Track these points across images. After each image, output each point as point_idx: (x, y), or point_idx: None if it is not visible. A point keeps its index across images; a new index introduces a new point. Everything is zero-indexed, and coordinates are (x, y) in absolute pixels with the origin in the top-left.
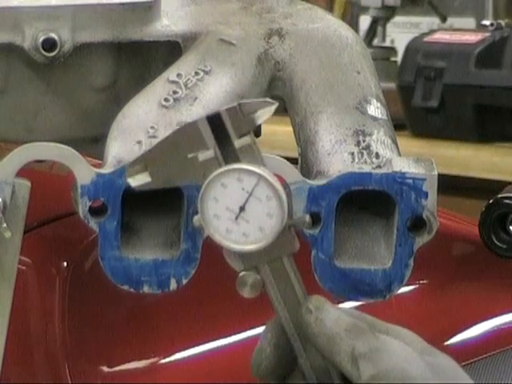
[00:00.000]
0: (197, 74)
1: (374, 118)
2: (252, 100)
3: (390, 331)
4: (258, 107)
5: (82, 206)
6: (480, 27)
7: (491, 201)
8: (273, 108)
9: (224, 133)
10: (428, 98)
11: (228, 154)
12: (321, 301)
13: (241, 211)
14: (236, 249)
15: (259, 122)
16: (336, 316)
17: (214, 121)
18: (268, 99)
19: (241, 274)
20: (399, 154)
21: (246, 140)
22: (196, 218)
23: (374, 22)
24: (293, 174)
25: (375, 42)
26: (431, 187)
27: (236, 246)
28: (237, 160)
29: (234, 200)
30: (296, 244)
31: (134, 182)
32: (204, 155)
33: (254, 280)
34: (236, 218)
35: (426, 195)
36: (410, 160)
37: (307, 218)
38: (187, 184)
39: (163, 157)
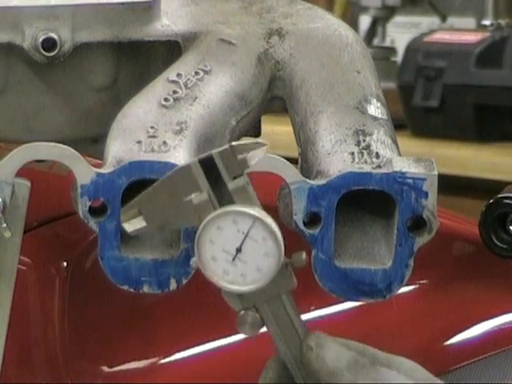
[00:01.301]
0: (197, 73)
1: (374, 118)
2: (243, 142)
3: (392, 362)
4: (250, 148)
5: (82, 206)
6: (480, 27)
7: (491, 201)
8: (265, 149)
9: (217, 175)
10: (428, 98)
11: (222, 196)
12: (321, 337)
13: (237, 252)
14: (234, 290)
15: (252, 162)
16: (336, 352)
17: (207, 163)
18: (259, 140)
19: (240, 314)
20: (399, 154)
21: (240, 181)
22: (193, 260)
23: (374, 22)
24: (293, 173)
25: (375, 42)
26: (431, 187)
27: (234, 286)
28: (231, 202)
29: (230, 242)
30: (294, 281)
31: (129, 226)
32: (198, 198)
33: (253, 319)
34: (233, 259)
35: (426, 195)
36: (410, 160)
37: (304, 255)
38: (183, 227)
39: (157, 201)
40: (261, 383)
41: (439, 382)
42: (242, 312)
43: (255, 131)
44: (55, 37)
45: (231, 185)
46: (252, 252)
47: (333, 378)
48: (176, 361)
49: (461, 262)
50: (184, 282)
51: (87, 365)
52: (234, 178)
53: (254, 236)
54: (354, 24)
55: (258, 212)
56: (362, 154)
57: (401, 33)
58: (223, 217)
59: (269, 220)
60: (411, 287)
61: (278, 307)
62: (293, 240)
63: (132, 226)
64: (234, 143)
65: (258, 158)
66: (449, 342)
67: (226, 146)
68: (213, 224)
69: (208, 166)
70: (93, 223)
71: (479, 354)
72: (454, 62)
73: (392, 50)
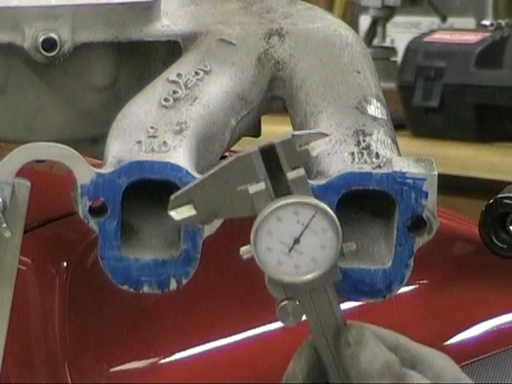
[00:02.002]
0: (197, 73)
1: (374, 118)
2: (305, 132)
3: (424, 360)
4: (311, 139)
5: (82, 206)
6: (480, 27)
7: (491, 201)
8: (326, 139)
9: (276, 165)
10: (428, 98)
11: (279, 186)
12: (361, 334)
13: (295, 243)
14: (287, 280)
15: (314, 154)
16: (372, 354)
17: (267, 153)
18: (321, 131)
19: (281, 303)
20: (399, 154)
21: (299, 172)
22: (245, 250)
23: (374, 22)
24: None
25: (375, 42)
26: (431, 187)
27: (287, 277)
28: (288, 192)
29: (288, 233)
30: (338, 273)
31: (177, 215)
32: (254, 188)
33: (294, 308)
34: (289, 250)
35: (426, 195)
36: (410, 160)
37: (354, 245)
38: (235, 216)
39: (210, 189)
40: (291, 370)
41: (467, 380)
42: (284, 302)
43: (255, 131)
44: (55, 37)
45: (291, 175)
46: (310, 243)
47: (362, 379)
48: (176, 361)
49: (461, 262)
50: (184, 282)
51: (87, 365)
52: (293, 168)
53: (314, 227)
54: (353, 24)
55: (319, 203)
56: (362, 154)
57: (401, 33)
58: (285, 208)
59: (330, 211)
60: (411, 287)
61: (322, 298)
62: None
63: (180, 214)
64: (296, 133)
65: (321, 149)
66: (449, 342)
67: (289, 136)
68: (273, 215)
69: (268, 155)
70: (93, 223)
71: (479, 353)
72: (454, 62)
73: (392, 50)
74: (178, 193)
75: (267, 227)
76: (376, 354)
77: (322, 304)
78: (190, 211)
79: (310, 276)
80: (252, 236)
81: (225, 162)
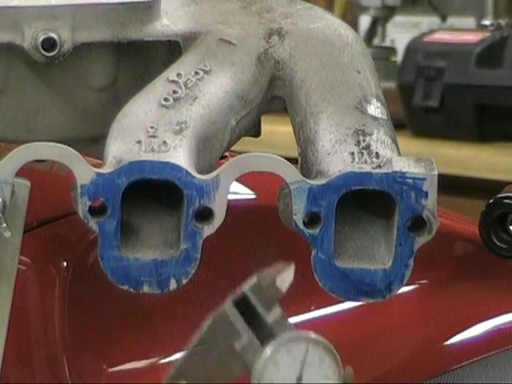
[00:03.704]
0: (197, 73)
1: (374, 118)
2: (269, 269)
3: None
4: (277, 273)
5: (82, 206)
6: (480, 27)
7: (491, 201)
8: (291, 268)
9: (252, 312)
10: (428, 98)
11: (262, 331)
12: None
13: (298, 382)
14: None
15: (284, 289)
16: None
17: (241, 303)
18: (285, 264)
19: None
20: (399, 154)
21: (277, 312)
22: None
23: (374, 22)
24: (293, 174)
25: (375, 42)
26: (431, 187)
27: None
28: (270, 335)
29: (289, 375)
30: None
31: None
32: (240, 344)
33: None
34: None
35: (426, 195)
36: (410, 160)
37: (351, 371)
38: (232, 377)
39: (199, 361)
40: None
41: None
42: None
43: (255, 131)
44: (55, 37)
45: (269, 318)
46: (313, 378)
47: None
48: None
49: (461, 261)
50: (184, 282)
51: (87, 365)
52: (270, 309)
53: (311, 360)
54: (353, 24)
55: (308, 334)
56: (362, 153)
57: (401, 33)
58: (278, 351)
59: (321, 339)
60: (411, 287)
61: None
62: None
63: None
64: (259, 274)
65: (289, 281)
66: (449, 342)
67: (254, 280)
68: (270, 362)
69: (242, 305)
70: (93, 223)
71: (479, 353)
72: (454, 62)
73: (392, 50)
74: (172, 372)
75: (267, 376)
76: None
77: None
78: None
79: None
80: None
81: (203, 328)
